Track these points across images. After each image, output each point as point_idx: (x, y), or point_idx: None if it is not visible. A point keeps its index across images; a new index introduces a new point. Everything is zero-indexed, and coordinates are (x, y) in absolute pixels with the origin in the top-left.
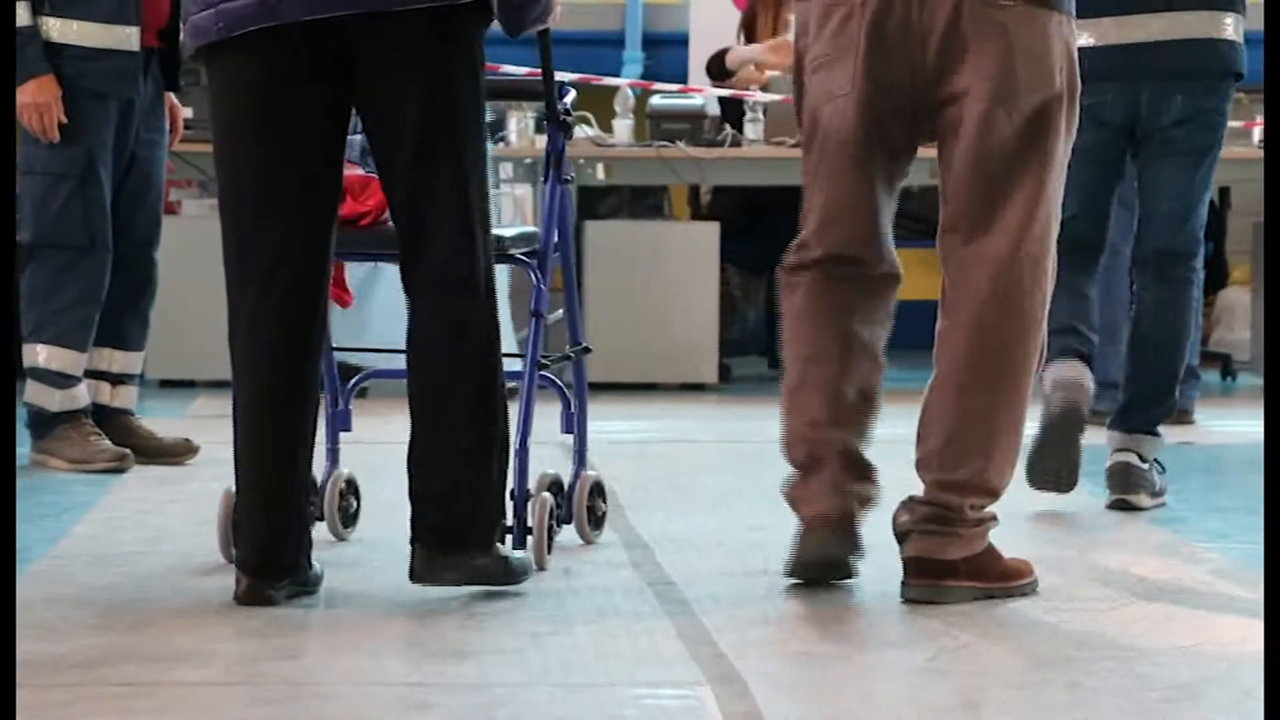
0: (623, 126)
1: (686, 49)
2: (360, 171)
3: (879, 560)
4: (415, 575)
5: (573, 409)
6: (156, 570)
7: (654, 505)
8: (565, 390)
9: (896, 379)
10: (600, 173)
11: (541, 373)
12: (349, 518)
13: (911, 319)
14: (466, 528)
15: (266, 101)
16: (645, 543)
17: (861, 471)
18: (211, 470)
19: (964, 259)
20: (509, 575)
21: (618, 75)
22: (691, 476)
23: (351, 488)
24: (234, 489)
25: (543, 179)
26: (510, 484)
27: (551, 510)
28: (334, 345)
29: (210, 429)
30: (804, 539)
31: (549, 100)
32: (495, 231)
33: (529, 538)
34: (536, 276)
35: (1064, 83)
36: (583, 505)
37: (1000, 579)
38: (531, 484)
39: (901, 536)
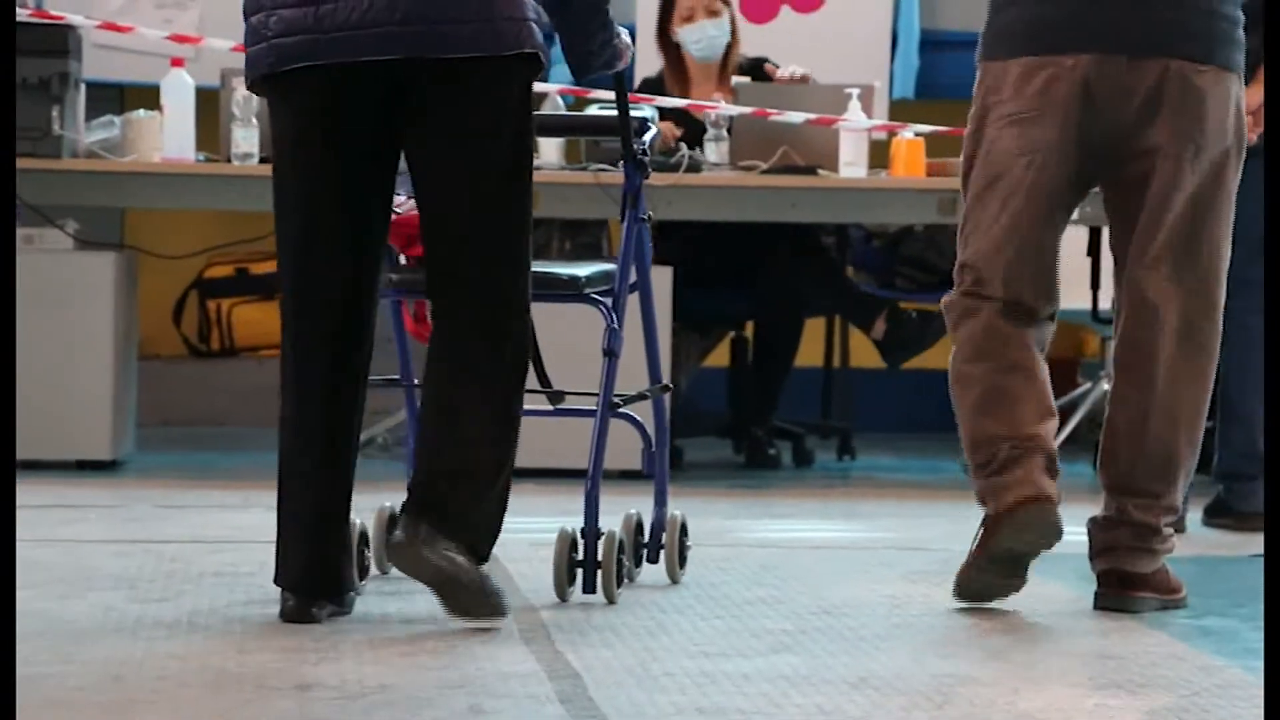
0: (550, 145)
1: (632, 46)
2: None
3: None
4: (393, 548)
5: (653, 448)
6: None
7: (586, 625)
8: (646, 431)
9: (916, 468)
10: None
11: (624, 410)
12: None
13: (932, 390)
14: (461, 514)
15: (313, 132)
16: (575, 671)
17: (1055, 473)
18: (20, 573)
19: (1150, 301)
20: (487, 593)
21: (545, 79)
22: (632, 589)
23: (395, 523)
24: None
25: (619, 217)
26: (580, 523)
27: (621, 545)
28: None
29: (19, 521)
30: (1003, 525)
31: (625, 139)
32: (573, 271)
33: (599, 574)
34: (609, 317)
35: (1234, 136)
36: (675, 544)
37: (1172, 592)
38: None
39: (1099, 552)
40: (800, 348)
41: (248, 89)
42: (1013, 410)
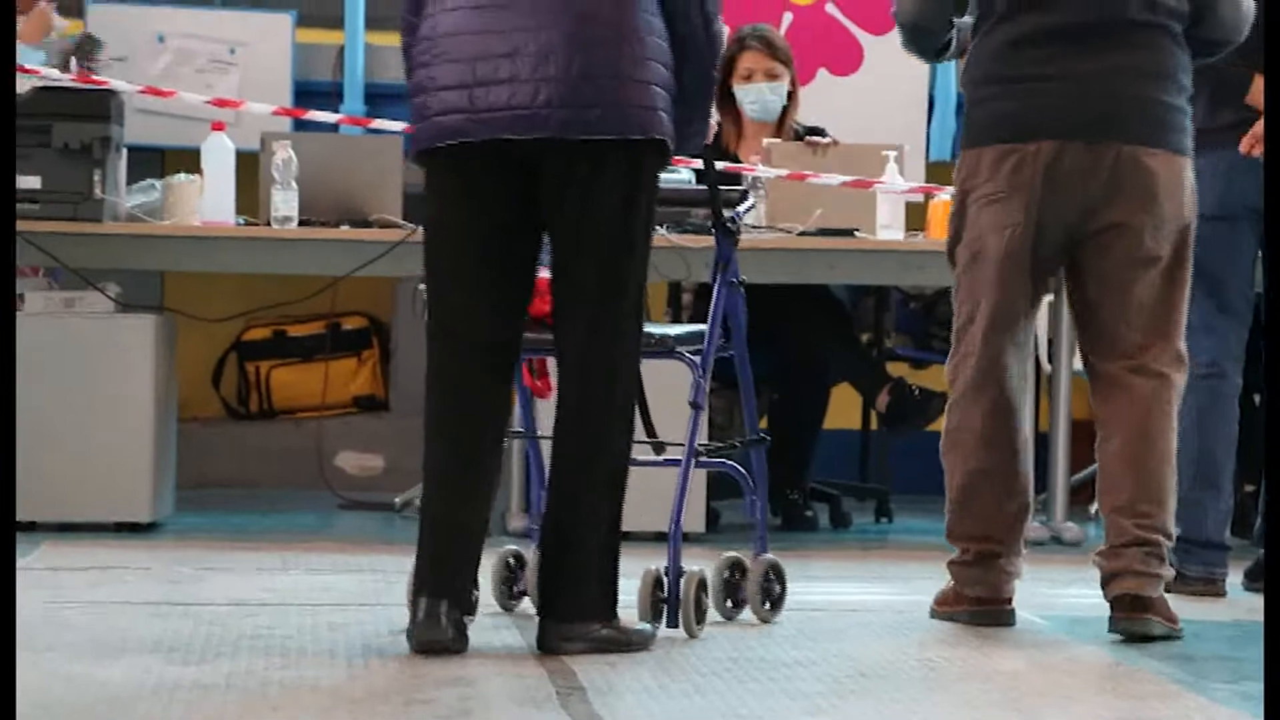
0: None
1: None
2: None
3: None
4: (543, 645)
5: (755, 496)
6: None
7: (624, 685)
8: (749, 480)
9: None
10: None
11: (728, 461)
12: (514, 591)
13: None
14: (591, 602)
15: (464, 201)
16: None
17: (1016, 561)
18: (56, 635)
19: (1132, 365)
20: (630, 642)
21: None
22: (671, 648)
23: (519, 561)
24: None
25: (711, 280)
26: (665, 563)
27: (701, 583)
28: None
29: (57, 584)
30: (964, 606)
31: (715, 209)
32: (665, 331)
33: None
34: (696, 373)
35: (1190, 214)
36: (758, 585)
37: (1173, 621)
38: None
39: (1111, 578)
40: (837, 410)
41: (410, 161)
42: (984, 511)
